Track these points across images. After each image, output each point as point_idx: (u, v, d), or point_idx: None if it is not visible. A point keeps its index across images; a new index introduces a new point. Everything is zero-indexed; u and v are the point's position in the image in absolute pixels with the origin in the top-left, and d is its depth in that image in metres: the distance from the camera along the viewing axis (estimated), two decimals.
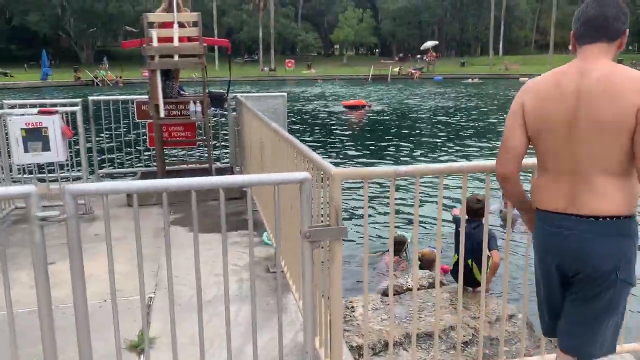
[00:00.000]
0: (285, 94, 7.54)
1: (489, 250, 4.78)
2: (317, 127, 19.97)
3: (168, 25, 6.07)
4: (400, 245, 6.40)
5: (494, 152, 14.39)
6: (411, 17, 69.66)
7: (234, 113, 7.11)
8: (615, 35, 1.95)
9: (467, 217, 5.22)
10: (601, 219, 1.92)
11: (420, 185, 2.33)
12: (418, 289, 4.65)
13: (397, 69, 53.04)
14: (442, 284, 4.91)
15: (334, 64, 67.23)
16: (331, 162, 9.80)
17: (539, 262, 2.16)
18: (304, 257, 2.24)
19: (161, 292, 3.84)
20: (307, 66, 60.76)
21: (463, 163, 2.47)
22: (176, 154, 8.89)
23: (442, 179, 2.42)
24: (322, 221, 2.50)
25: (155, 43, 5.98)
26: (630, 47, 61.39)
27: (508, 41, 67.31)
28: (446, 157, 13.83)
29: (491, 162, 2.50)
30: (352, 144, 16.05)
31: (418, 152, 14.63)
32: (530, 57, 61.45)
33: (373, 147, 15.38)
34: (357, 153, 14.46)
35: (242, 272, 4.10)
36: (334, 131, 19.03)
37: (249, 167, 6.15)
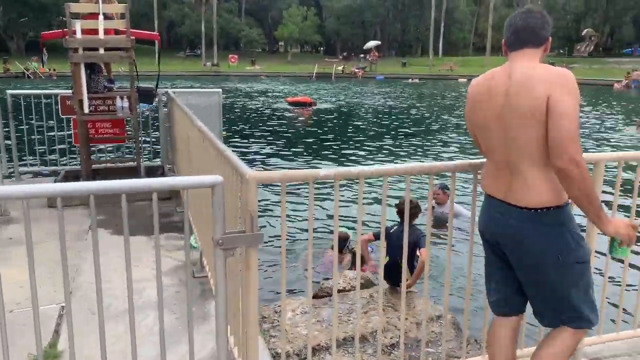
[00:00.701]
0: (220, 90, 7.35)
1: (419, 249, 4.84)
2: (261, 124, 19.74)
3: (94, 16, 5.76)
4: (343, 242, 6.39)
5: (427, 152, 14.69)
6: (355, 16, 70.15)
7: (165, 109, 6.86)
8: (541, 42, 2.15)
9: (400, 219, 5.26)
10: (533, 210, 2.08)
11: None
12: (349, 290, 4.62)
13: (341, 68, 53.42)
14: (373, 284, 4.90)
15: (278, 60, 66.87)
16: (273, 161, 9.74)
17: (482, 237, 2.36)
18: (217, 266, 2.12)
19: (76, 300, 3.61)
20: (251, 62, 60.16)
21: (382, 167, 2.42)
22: (105, 151, 8.51)
23: (361, 181, 2.36)
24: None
25: (79, 35, 5.66)
26: (561, 51, 64.20)
27: (448, 43, 69.00)
28: (387, 157, 13.97)
29: (411, 165, 2.48)
30: (296, 142, 15.95)
31: (361, 152, 14.69)
32: (469, 58, 63.31)
33: (316, 146, 15.33)
34: (300, 152, 14.35)
35: (164, 278, 3.92)
36: (278, 129, 18.85)
37: (180, 165, 5.94)
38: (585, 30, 59.09)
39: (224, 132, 15.87)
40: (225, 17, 69.31)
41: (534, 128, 2.00)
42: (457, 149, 14.87)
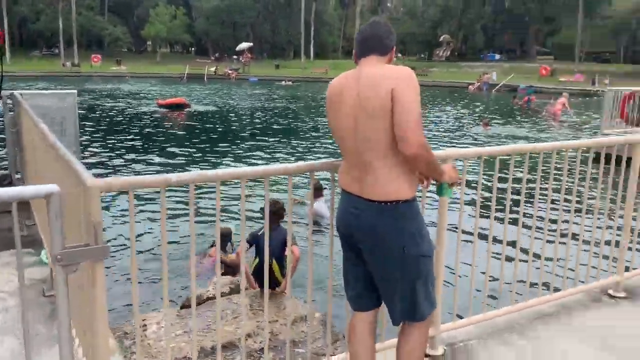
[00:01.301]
0: (75, 91, 6.81)
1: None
2: (130, 128, 18.76)
3: None
4: (225, 237, 6.26)
5: (301, 152, 14.93)
6: (225, 16, 69.20)
7: (12, 113, 6.22)
8: (386, 51, 2.31)
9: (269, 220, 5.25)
10: (383, 204, 2.19)
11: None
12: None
13: (213, 69, 52.62)
14: (245, 288, 4.82)
15: (146, 61, 64.08)
16: (143, 168, 9.25)
17: (339, 233, 2.43)
18: (58, 285, 1.92)
19: None
20: (117, 62, 57.08)
21: (239, 169, 2.36)
22: None
23: (218, 185, 2.29)
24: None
25: None
26: (422, 55, 68.69)
27: (318, 46, 70.74)
28: (263, 158, 13.97)
29: (269, 166, 2.45)
30: (169, 146, 15.36)
31: (237, 154, 14.55)
32: (339, 62, 65.31)
33: (190, 150, 14.87)
34: (173, 156, 13.82)
35: (10, 299, 3.54)
36: (149, 133, 18.03)
37: (28, 174, 5.41)
38: (443, 36, 63.77)
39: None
40: (85, 14, 64.89)
41: (382, 125, 2.12)
42: (331, 149, 15.27)
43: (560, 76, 47.11)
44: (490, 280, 3.25)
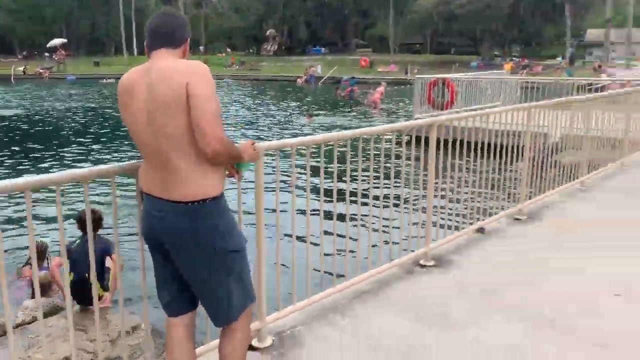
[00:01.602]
0: None
1: (109, 256, 4.60)
2: None
3: None
4: (41, 254, 5.64)
5: (125, 153, 14.16)
6: (30, 10, 62.36)
7: None
8: (178, 43, 2.21)
9: (82, 231, 4.85)
10: (190, 204, 2.09)
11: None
12: (29, 323, 4.06)
13: (21, 68, 47.50)
14: (60, 308, 4.40)
15: None
16: None
17: (144, 239, 2.31)
18: None
19: None
20: None
21: (22, 180, 2.09)
22: None
23: (28, 194, 2.03)
24: None
25: None
26: (250, 50, 69.00)
27: (142, 41, 67.35)
28: (81, 163, 12.92)
29: (60, 173, 2.25)
30: None
31: (51, 161, 13.26)
32: None
33: None
34: None
35: None
36: None
37: None
38: (268, 30, 64.70)
39: None
40: None
41: (179, 121, 2.03)
42: None
43: (378, 67, 50.69)
44: (323, 254, 3.34)
